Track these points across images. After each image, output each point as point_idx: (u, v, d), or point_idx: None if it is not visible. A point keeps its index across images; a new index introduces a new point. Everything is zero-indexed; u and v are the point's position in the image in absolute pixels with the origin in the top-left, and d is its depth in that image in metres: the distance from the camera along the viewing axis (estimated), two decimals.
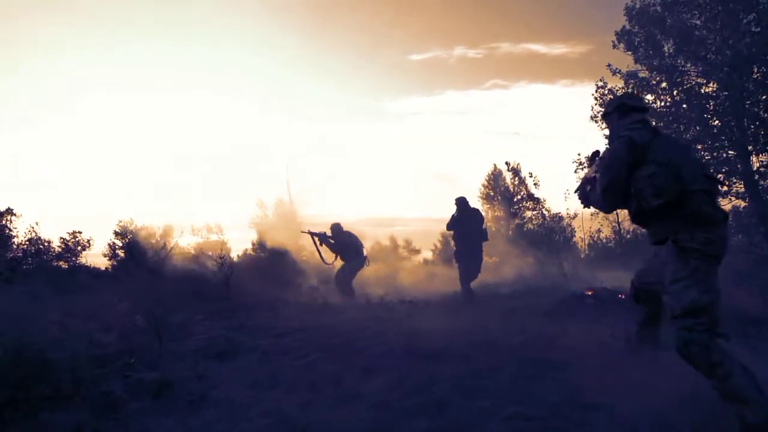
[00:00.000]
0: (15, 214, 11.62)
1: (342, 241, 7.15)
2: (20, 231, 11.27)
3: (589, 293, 6.18)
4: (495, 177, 19.36)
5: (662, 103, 8.34)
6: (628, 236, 12.94)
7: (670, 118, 8.12)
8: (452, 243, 7.09)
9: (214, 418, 2.27)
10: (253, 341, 3.43)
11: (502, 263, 17.52)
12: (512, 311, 4.61)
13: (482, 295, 6.65)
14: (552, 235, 14.57)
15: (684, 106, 7.96)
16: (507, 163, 16.93)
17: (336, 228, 7.35)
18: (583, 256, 16.47)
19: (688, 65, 7.97)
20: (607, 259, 12.65)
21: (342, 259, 7.20)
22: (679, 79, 7.92)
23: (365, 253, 7.31)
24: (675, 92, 8.10)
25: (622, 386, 2.67)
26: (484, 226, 6.68)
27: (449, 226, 6.69)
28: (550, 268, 10.14)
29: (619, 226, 13.52)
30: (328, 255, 7.36)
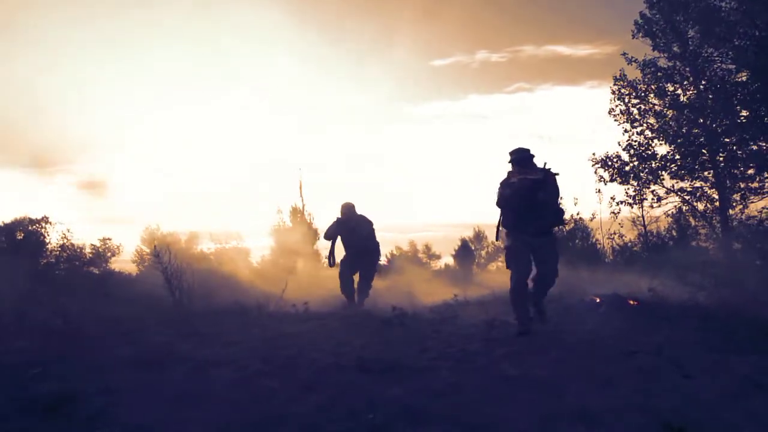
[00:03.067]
0: (50, 222, 11.93)
1: (350, 228, 6.05)
2: (53, 237, 11.53)
3: (598, 300, 5.60)
4: None
5: (685, 94, 7.63)
6: (653, 239, 12.13)
7: (696, 106, 7.38)
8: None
9: None
10: (195, 350, 3.08)
11: None
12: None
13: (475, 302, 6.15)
14: (572, 239, 13.82)
15: (710, 96, 7.24)
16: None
17: (348, 208, 6.13)
18: (607, 260, 15.60)
19: (713, 51, 7.26)
20: (631, 264, 11.84)
21: (346, 249, 6.19)
22: (703, 68, 7.20)
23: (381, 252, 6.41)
24: (698, 82, 7.37)
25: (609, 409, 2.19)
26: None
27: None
28: (565, 273, 9.47)
29: (644, 229, 12.70)
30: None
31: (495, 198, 4.04)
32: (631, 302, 5.39)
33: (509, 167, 4.09)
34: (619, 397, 2.39)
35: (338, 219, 6.11)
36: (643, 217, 11.41)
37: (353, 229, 6.02)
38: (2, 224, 12.77)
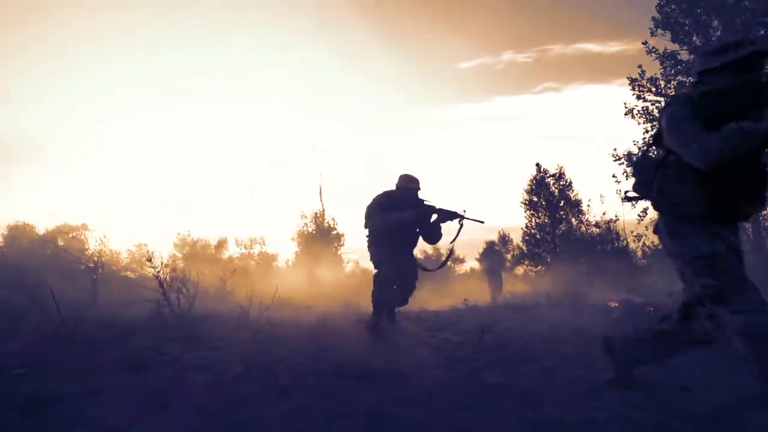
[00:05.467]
0: (88, 229, 12.68)
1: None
2: (91, 243, 12.22)
3: (614, 305, 5.37)
4: (538, 182, 18.20)
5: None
6: None
7: None
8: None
9: None
10: (182, 353, 3.14)
11: (542, 273, 16.34)
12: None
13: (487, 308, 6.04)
14: (595, 243, 13.33)
15: None
16: (537, 165, 15.79)
17: (405, 180, 4.38)
18: (640, 263, 15.01)
19: None
20: (661, 266, 11.32)
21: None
22: None
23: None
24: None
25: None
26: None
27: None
28: (584, 277, 9.12)
29: None
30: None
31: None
32: (648, 308, 5.13)
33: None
34: (603, 409, 2.26)
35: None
36: None
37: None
38: (46, 231, 13.60)
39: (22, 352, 2.74)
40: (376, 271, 4.26)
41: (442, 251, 23.09)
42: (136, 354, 3.05)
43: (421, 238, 4.46)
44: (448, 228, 4.56)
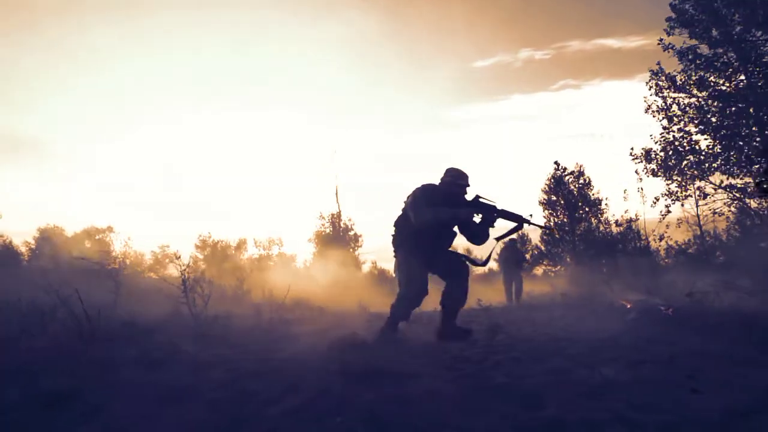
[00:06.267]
0: (113, 231, 13.20)
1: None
2: (116, 245, 12.73)
3: (628, 305, 5.28)
4: (557, 180, 17.90)
5: (730, 83, 6.95)
6: (710, 240, 11.17)
7: (742, 93, 6.71)
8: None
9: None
10: (197, 352, 3.25)
11: (561, 273, 16.06)
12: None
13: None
14: (615, 243, 13.03)
15: (759, 84, 6.55)
16: (556, 164, 15.51)
17: (453, 176, 4.00)
18: (664, 263, 14.64)
19: (761, 35, 6.56)
20: (684, 266, 11.02)
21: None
22: (749, 53, 6.51)
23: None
24: (745, 67, 6.69)
25: None
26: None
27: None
28: (602, 277, 8.94)
29: (700, 229, 11.75)
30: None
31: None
32: (666, 309, 5.03)
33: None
34: (605, 410, 2.25)
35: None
36: (698, 216, 10.58)
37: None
38: (74, 233, 14.13)
39: (48, 347, 2.89)
40: (403, 288, 3.85)
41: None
42: (154, 351, 3.17)
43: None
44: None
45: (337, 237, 16.37)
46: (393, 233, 4.07)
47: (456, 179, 3.97)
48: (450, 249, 4.09)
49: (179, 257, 4.50)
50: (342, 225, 15.96)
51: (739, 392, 2.47)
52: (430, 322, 4.73)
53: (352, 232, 18.14)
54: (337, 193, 16.38)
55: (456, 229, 4.08)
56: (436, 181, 4.06)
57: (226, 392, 2.56)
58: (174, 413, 2.33)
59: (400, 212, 4.04)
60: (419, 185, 3.95)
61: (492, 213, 3.90)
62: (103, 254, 11.41)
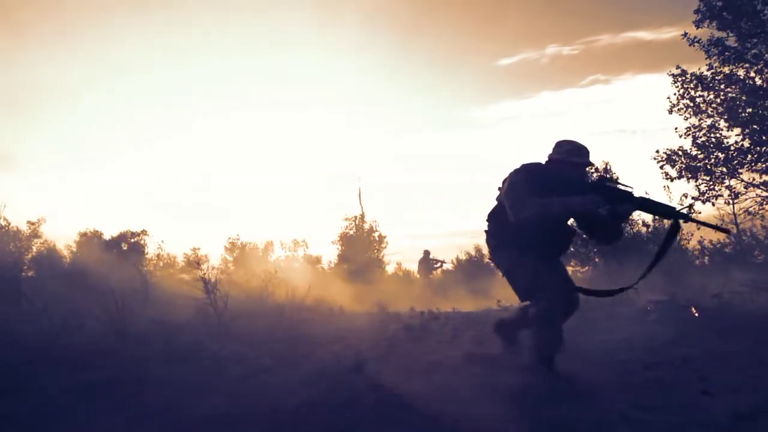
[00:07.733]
0: (147, 234, 13.83)
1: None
2: (150, 248, 13.32)
3: (649, 307, 5.19)
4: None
5: (762, 76, 6.69)
6: (746, 239, 10.75)
7: None
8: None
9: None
10: (220, 348, 3.44)
11: (589, 273, 15.69)
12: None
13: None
14: (645, 243, 12.65)
15: None
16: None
17: (568, 151, 2.84)
18: (697, 262, 14.16)
19: None
20: (719, 266, 10.63)
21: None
22: None
23: None
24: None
25: None
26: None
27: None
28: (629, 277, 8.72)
29: (737, 228, 11.32)
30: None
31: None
32: (691, 309, 4.92)
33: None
34: (613, 411, 2.27)
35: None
36: (734, 214, 10.23)
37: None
38: (111, 237, 14.85)
39: (85, 344, 3.14)
40: (534, 303, 2.79)
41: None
42: (180, 348, 3.38)
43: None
44: None
45: (361, 238, 16.53)
46: (486, 228, 3.04)
47: (570, 155, 2.82)
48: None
49: (203, 262, 4.73)
50: (366, 227, 16.12)
51: (750, 394, 2.44)
52: (447, 321, 4.78)
53: (376, 233, 18.29)
54: (360, 195, 16.55)
55: (572, 222, 2.98)
56: (543, 160, 2.95)
57: (247, 387, 2.72)
58: (198, 404, 2.50)
59: (495, 202, 3.00)
60: (518, 166, 2.85)
61: (626, 203, 2.65)
62: (137, 257, 11.97)
